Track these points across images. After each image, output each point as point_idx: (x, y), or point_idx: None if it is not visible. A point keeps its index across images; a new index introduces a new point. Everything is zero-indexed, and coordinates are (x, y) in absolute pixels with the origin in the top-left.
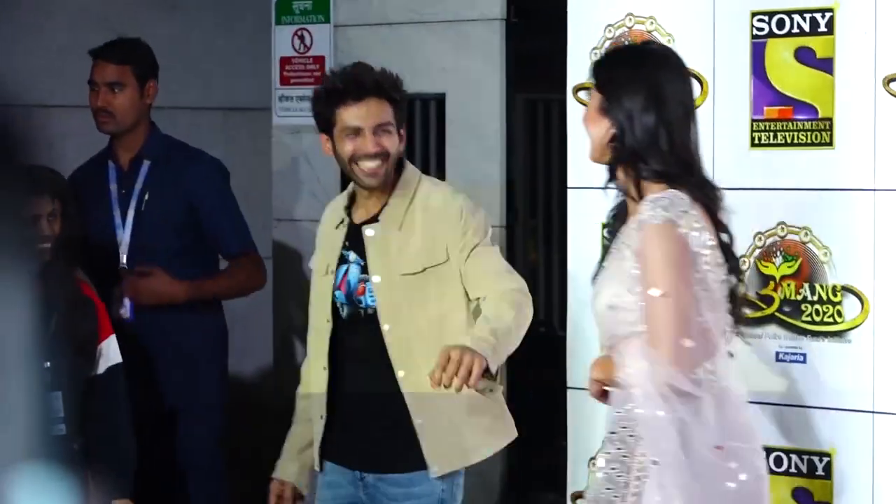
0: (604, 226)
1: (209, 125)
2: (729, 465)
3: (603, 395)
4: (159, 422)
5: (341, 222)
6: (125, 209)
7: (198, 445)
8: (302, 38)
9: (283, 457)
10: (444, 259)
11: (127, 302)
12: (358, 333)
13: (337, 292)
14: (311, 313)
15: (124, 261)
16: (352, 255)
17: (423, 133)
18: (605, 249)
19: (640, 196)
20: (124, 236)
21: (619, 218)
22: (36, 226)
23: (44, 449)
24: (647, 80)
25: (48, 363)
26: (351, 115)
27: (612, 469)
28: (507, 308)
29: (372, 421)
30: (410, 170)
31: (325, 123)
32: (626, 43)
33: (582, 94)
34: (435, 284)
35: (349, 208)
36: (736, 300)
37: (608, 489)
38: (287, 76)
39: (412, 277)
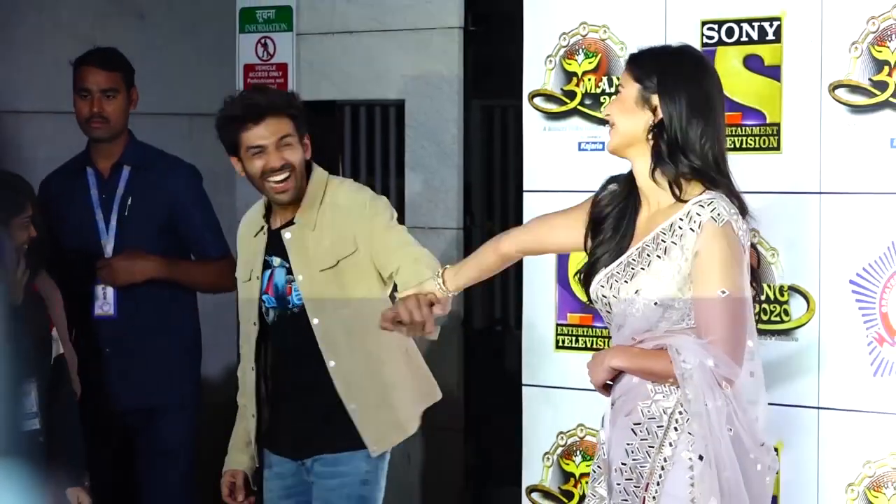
0: None
1: (175, 130)
2: (767, 460)
3: (605, 388)
4: (137, 417)
5: (260, 230)
6: (108, 214)
7: (172, 441)
8: (265, 45)
9: (231, 450)
10: (353, 249)
11: (110, 297)
12: (288, 332)
13: (265, 296)
14: (240, 319)
15: None
16: (276, 260)
17: (382, 138)
18: (600, 249)
19: (677, 192)
20: (108, 241)
21: (612, 219)
22: (14, 231)
23: (20, 446)
24: (703, 83)
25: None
26: (253, 135)
27: (634, 459)
28: (425, 269)
29: (307, 411)
30: (318, 172)
31: (233, 147)
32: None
33: (538, 102)
34: (351, 275)
35: (267, 216)
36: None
37: (629, 479)
38: (251, 83)
39: (329, 272)
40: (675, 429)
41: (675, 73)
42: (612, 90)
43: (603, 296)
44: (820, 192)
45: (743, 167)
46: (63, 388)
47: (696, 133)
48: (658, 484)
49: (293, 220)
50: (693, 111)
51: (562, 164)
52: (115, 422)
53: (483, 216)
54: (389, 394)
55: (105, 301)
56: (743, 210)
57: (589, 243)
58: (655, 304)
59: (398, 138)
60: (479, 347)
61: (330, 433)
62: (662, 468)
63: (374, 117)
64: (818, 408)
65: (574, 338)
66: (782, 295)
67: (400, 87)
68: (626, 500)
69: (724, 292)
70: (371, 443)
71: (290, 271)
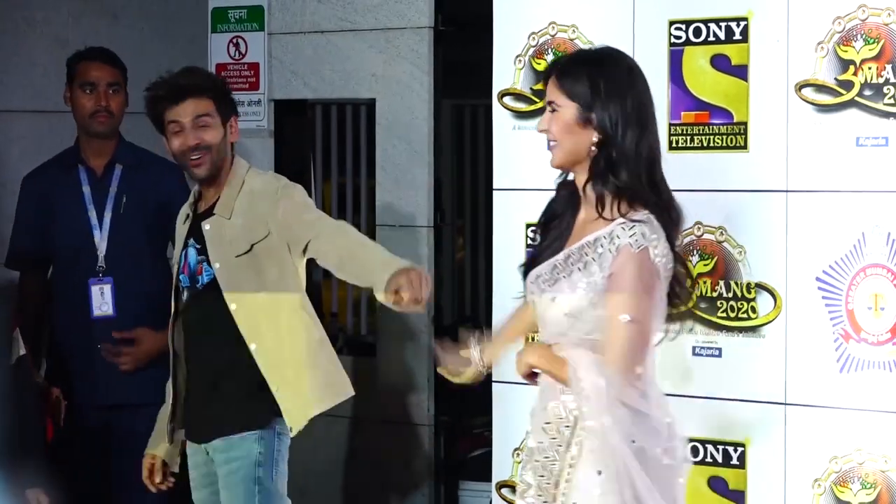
0: (528, 225)
1: (147, 129)
2: (673, 464)
3: (530, 376)
4: (124, 413)
5: (187, 217)
6: (101, 211)
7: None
8: (237, 45)
9: (154, 434)
10: (265, 233)
11: (108, 296)
12: (198, 312)
13: (181, 276)
14: None
15: (102, 262)
16: (191, 241)
17: (353, 137)
18: (541, 246)
19: (600, 209)
20: (102, 238)
21: (558, 219)
22: None
23: None
24: (636, 91)
25: None
26: (172, 114)
27: (546, 458)
28: (344, 235)
29: (205, 396)
30: (239, 163)
31: (159, 125)
32: (586, 48)
33: (507, 101)
34: (265, 259)
35: (196, 203)
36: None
37: (541, 476)
38: None
39: (244, 257)
40: (582, 429)
41: (609, 88)
42: None
43: (531, 292)
44: (787, 191)
45: (710, 166)
46: (26, 390)
47: (632, 145)
48: (567, 482)
49: (213, 207)
50: (629, 123)
51: (531, 163)
52: (100, 417)
53: (453, 214)
54: (304, 375)
55: (104, 301)
56: (675, 221)
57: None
58: (566, 314)
59: (369, 137)
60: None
61: (221, 417)
62: (571, 466)
63: (345, 116)
64: (785, 404)
65: None
66: (749, 292)
67: (371, 87)
68: (540, 496)
69: (626, 318)
70: (290, 420)
71: (200, 252)
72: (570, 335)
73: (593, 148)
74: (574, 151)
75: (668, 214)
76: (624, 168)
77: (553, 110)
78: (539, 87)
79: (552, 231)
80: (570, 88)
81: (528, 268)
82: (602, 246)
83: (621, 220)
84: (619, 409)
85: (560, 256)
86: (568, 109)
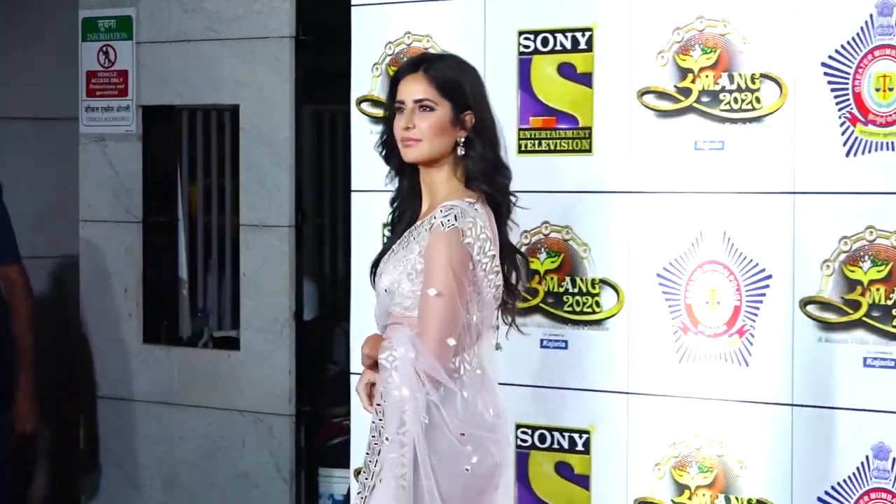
0: (385, 225)
1: (21, 134)
2: (466, 449)
3: (374, 366)
4: None
5: None
6: None
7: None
8: (107, 53)
9: None
10: None
11: None
12: None
13: None
14: None
15: None
16: None
17: (218, 141)
18: (389, 240)
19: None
20: None
21: (404, 218)
22: None
23: None
24: (485, 90)
25: None
26: None
27: (372, 437)
28: None
29: None
30: None
31: None
32: (435, 52)
33: (365, 107)
34: None
35: None
36: (513, 298)
37: (367, 453)
38: (93, 89)
39: None
40: (384, 401)
41: (478, 89)
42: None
43: (374, 284)
44: (629, 192)
45: (557, 168)
46: None
47: (496, 138)
48: (379, 454)
49: None
50: (491, 120)
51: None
52: None
53: (314, 214)
54: None
55: None
56: (506, 211)
57: None
58: (385, 290)
59: (233, 141)
60: (310, 338)
61: None
62: (385, 441)
63: (210, 121)
64: (627, 393)
65: None
66: (594, 287)
67: (235, 93)
68: (364, 474)
69: (433, 291)
70: None
71: None
72: (394, 311)
73: (460, 148)
74: (440, 150)
75: (498, 206)
76: (490, 164)
77: (425, 108)
78: None
79: (398, 226)
80: (445, 88)
81: (374, 265)
82: (423, 227)
83: (443, 203)
84: (422, 383)
85: (396, 244)
86: (443, 109)
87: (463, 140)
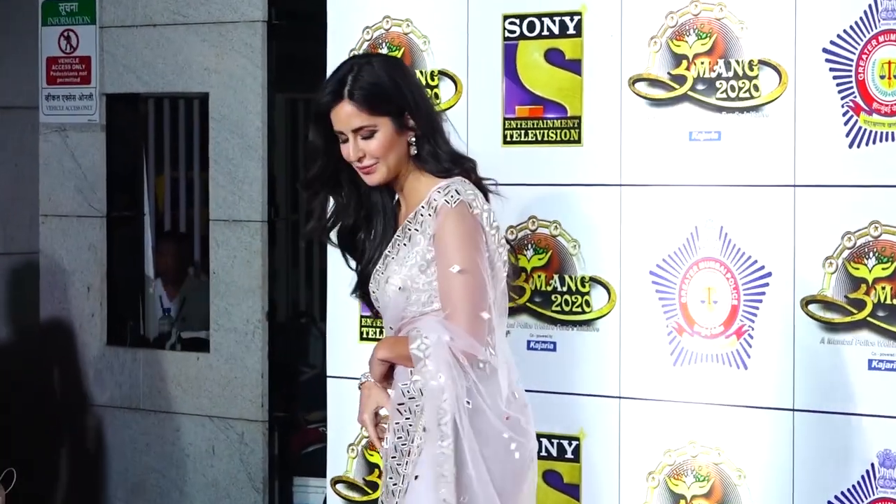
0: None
1: None
2: (511, 434)
3: (385, 378)
4: None
5: None
6: None
7: None
8: (68, 38)
9: None
10: None
11: None
12: None
13: None
14: None
15: None
16: None
17: (186, 131)
18: (369, 252)
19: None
20: None
21: (377, 219)
22: None
23: None
24: (409, 78)
25: None
26: None
27: (398, 438)
28: None
29: None
30: None
31: None
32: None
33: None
34: None
35: None
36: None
37: (393, 457)
38: (54, 76)
39: None
40: (423, 390)
41: (402, 85)
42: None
43: (373, 291)
44: (620, 185)
45: (544, 160)
46: None
47: (433, 124)
48: (419, 455)
49: None
50: (425, 106)
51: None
52: None
53: (288, 208)
54: None
55: None
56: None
57: (353, 263)
58: (399, 289)
59: (202, 131)
60: (284, 340)
61: None
62: (421, 438)
63: (177, 110)
64: (619, 397)
65: (378, 329)
66: (583, 286)
67: (203, 80)
68: (391, 479)
69: (455, 268)
70: None
71: None
72: (410, 310)
73: (413, 148)
74: (398, 161)
75: (478, 186)
76: (441, 148)
77: (366, 137)
78: None
79: (375, 240)
80: (375, 105)
81: (362, 279)
82: (422, 215)
83: (435, 186)
84: (461, 366)
85: (388, 247)
86: (384, 127)
87: (414, 141)
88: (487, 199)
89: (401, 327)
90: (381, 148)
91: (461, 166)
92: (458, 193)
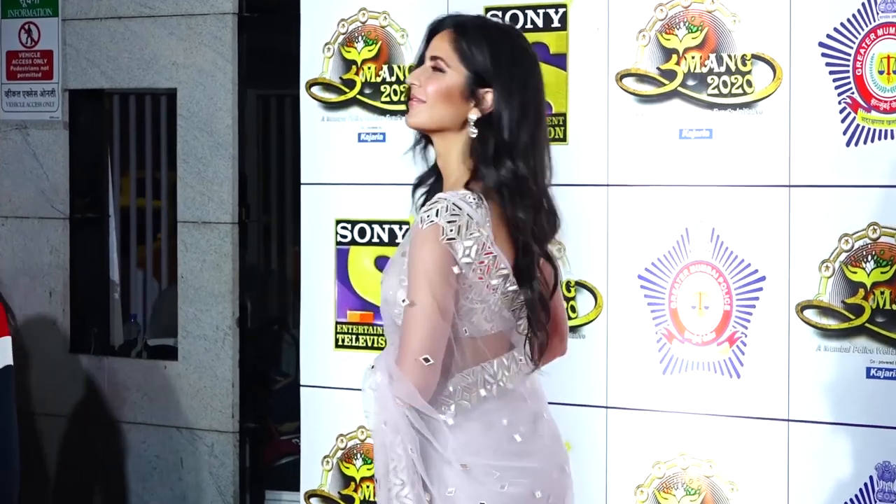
0: (338, 221)
1: None
2: (487, 479)
3: None
4: None
5: None
6: None
7: None
8: (29, 31)
9: None
10: None
11: None
12: None
13: None
14: None
15: None
16: None
17: (153, 128)
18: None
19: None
20: None
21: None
22: None
23: None
24: (536, 78)
25: None
26: None
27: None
28: None
29: None
30: None
31: None
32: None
33: (316, 91)
34: None
35: None
36: (533, 307)
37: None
38: (14, 71)
39: None
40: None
41: (511, 66)
42: (393, 78)
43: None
44: (607, 185)
45: None
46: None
47: (527, 136)
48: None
49: None
50: (526, 111)
51: (340, 156)
52: None
53: (259, 210)
54: None
55: None
56: (529, 223)
57: None
58: (384, 300)
59: (170, 128)
60: (255, 348)
61: None
62: (376, 483)
63: (144, 107)
64: (606, 407)
65: (354, 336)
66: (569, 291)
67: (171, 76)
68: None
69: (406, 301)
70: None
71: None
72: (398, 324)
73: (472, 128)
74: (441, 121)
75: (508, 195)
76: (519, 157)
77: (437, 68)
78: (348, 76)
79: None
80: (465, 53)
81: None
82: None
83: (442, 192)
84: (402, 409)
85: (401, 247)
86: (456, 76)
87: (475, 119)
88: (530, 232)
89: (394, 341)
90: (436, 91)
91: (497, 183)
92: (437, 215)
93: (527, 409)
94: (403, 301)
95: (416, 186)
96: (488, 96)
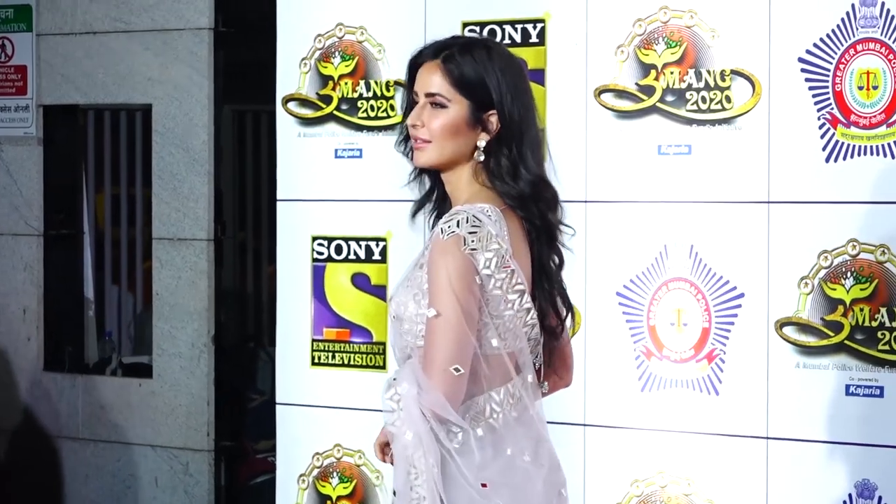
0: (314, 238)
1: None
2: (494, 502)
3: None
4: None
5: None
6: None
7: None
8: (3, 47)
9: None
10: None
11: None
12: None
13: None
14: None
15: None
16: None
17: (128, 144)
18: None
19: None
20: None
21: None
22: None
23: None
24: (526, 87)
25: None
26: None
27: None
28: None
29: None
30: None
31: None
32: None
33: (292, 107)
34: None
35: None
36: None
37: None
38: None
39: None
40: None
41: (505, 80)
42: (370, 94)
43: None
44: (585, 201)
45: None
46: None
47: (530, 145)
48: None
49: None
50: (526, 122)
51: (317, 172)
52: None
53: (235, 226)
54: None
55: None
56: (543, 232)
57: None
58: (394, 317)
59: (145, 144)
60: (231, 365)
61: None
62: (393, 497)
63: (119, 122)
64: (584, 425)
65: (331, 353)
66: None
67: (146, 91)
68: None
69: (432, 311)
70: None
71: None
72: (407, 342)
73: (478, 153)
74: (452, 156)
75: (526, 209)
76: (526, 169)
77: (436, 105)
78: (325, 91)
79: None
80: (464, 83)
81: None
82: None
83: (457, 207)
84: (428, 422)
85: (414, 262)
86: (458, 107)
87: (483, 145)
88: (546, 241)
89: (406, 357)
90: (442, 128)
91: (515, 196)
92: (458, 226)
93: (533, 433)
94: (430, 312)
95: (415, 212)
96: (493, 118)
